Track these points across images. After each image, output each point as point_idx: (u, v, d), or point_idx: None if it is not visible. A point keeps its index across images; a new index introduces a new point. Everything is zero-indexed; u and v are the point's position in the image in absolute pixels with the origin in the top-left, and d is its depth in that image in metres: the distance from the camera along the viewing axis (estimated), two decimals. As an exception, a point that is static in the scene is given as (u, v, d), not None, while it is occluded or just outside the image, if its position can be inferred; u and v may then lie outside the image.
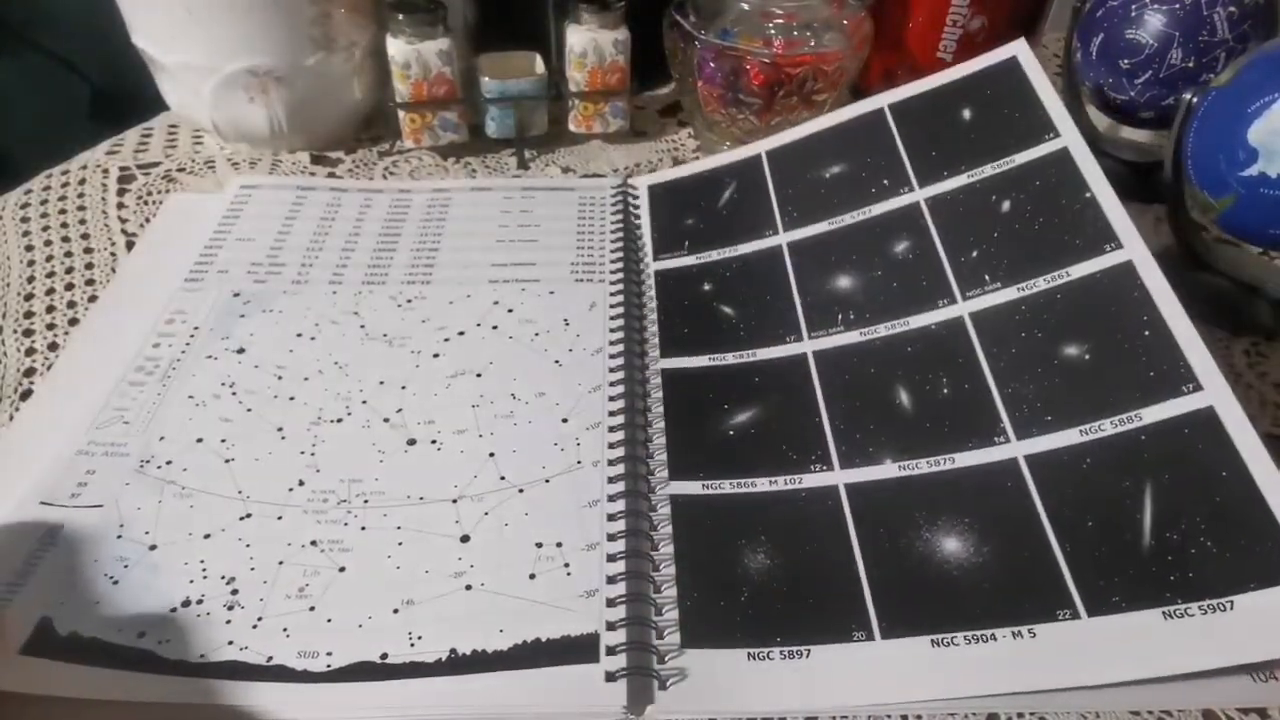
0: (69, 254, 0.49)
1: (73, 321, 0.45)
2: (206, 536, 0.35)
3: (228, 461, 0.38)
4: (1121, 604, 0.31)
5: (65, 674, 0.30)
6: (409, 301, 0.46)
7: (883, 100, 0.50)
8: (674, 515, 0.36)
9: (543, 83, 0.56)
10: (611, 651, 0.31)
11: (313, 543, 0.35)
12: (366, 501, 0.36)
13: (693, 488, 0.37)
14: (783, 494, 0.37)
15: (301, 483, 0.37)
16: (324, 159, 0.58)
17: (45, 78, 0.91)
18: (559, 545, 0.35)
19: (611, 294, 0.47)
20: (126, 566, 0.34)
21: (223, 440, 0.39)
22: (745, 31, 0.55)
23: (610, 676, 0.31)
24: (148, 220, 0.52)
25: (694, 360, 0.43)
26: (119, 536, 0.35)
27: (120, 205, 0.53)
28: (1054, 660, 0.30)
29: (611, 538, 0.35)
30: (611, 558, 0.34)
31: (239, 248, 0.49)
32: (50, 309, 0.46)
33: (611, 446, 0.39)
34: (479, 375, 0.42)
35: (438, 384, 0.42)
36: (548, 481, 0.37)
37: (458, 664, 0.31)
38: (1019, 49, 0.47)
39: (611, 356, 0.43)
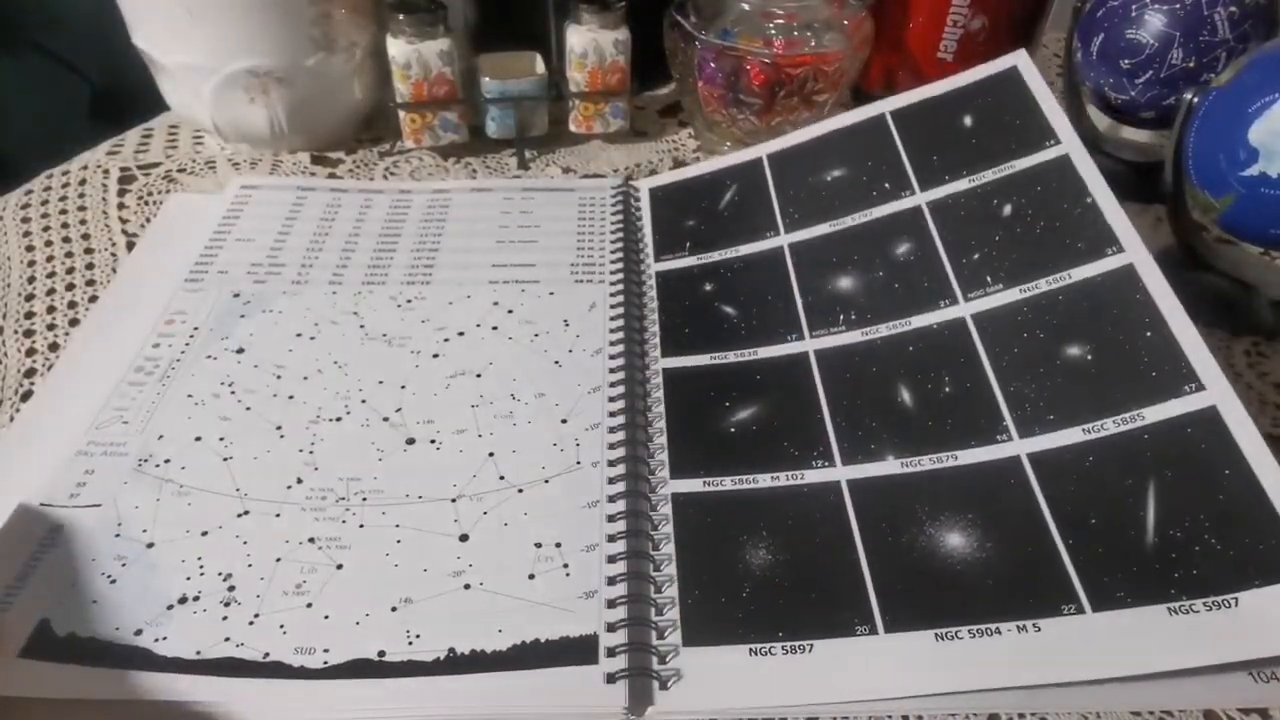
0: (69, 254, 0.49)
1: (73, 322, 0.45)
2: (204, 534, 0.35)
3: (226, 459, 0.38)
4: (1126, 599, 0.31)
5: (63, 676, 0.30)
6: (409, 302, 0.46)
7: (884, 106, 0.50)
8: (675, 512, 0.36)
9: (543, 83, 0.56)
10: (611, 653, 0.31)
11: (310, 540, 0.35)
12: (365, 500, 0.36)
13: (694, 485, 0.37)
14: (784, 490, 0.37)
15: (300, 480, 0.37)
16: (324, 159, 0.58)
17: (45, 78, 0.91)
18: (558, 546, 0.35)
19: (611, 295, 0.47)
20: (124, 565, 0.33)
21: (221, 438, 0.38)
22: (745, 32, 0.55)
23: (610, 678, 0.30)
24: (148, 220, 0.52)
25: (695, 359, 0.43)
26: (117, 535, 0.34)
27: (121, 205, 0.53)
28: (1059, 654, 0.30)
29: (611, 538, 0.35)
30: (611, 559, 0.34)
31: (239, 248, 0.49)
32: (50, 309, 0.46)
33: (611, 447, 0.38)
34: (478, 375, 0.42)
35: (437, 384, 0.42)
36: (547, 482, 0.37)
37: (456, 663, 0.31)
38: (1019, 59, 0.47)
39: (611, 357, 0.43)
